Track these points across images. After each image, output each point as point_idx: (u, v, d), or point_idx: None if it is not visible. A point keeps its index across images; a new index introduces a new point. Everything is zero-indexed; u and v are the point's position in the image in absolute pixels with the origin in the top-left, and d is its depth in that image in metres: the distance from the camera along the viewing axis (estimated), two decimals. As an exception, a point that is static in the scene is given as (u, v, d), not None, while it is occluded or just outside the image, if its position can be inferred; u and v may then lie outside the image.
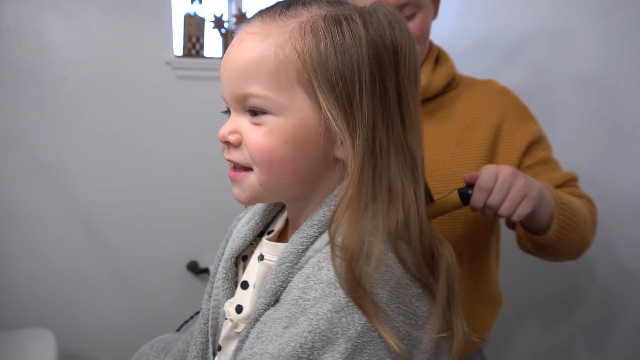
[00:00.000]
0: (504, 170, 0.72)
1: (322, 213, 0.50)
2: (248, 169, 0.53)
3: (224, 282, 0.65)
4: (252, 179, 0.52)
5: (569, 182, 0.96)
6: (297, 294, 0.46)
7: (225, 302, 0.63)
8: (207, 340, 0.67)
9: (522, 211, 0.72)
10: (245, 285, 0.62)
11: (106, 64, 1.78)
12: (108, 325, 1.83)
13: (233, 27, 2.07)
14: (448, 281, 0.51)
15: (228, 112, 0.56)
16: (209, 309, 0.66)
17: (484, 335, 1.02)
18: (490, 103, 0.96)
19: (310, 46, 0.46)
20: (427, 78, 0.93)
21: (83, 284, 1.79)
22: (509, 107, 0.96)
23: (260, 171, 0.51)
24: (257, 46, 0.48)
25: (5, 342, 1.42)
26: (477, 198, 0.73)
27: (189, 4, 1.95)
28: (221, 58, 1.93)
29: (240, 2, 2.12)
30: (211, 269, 0.72)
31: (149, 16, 1.84)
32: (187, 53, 1.94)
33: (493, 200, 0.71)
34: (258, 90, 0.48)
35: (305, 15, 0.49)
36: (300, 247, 0.50)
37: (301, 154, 0.48)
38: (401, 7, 0.86)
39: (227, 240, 0.69)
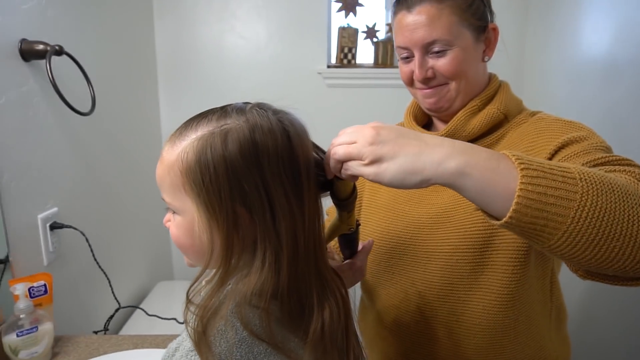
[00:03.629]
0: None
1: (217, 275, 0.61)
2: None
3: None
4: None
5: (617, 161, 0.71)
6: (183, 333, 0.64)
7: None
8: None
9: (352, 169, 0.59)
10: None
11: (269, 75, 2.12)
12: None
13: (386, 35, 2.20)
14: (323, 337, 0.61)
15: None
16: None
17: None
18: (522, 138, 0.88)
19: (187, 165, 0.60)
20: (459, 123, 0.92)
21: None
22: (540, 131, 0.86)
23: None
24: (161, 169, 0.64)
25: (177, 289, 1.87)
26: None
27: (344, 17, 2.16)
28: (370, 66, 2.10)
29: (395, 11, 2.23)
30: None
31: (309, 32, 2.11)
32: (339, 63, 2.15)
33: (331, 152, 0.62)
34: (166, 198, 0.65)
35: (190, 138, 0.61)
36: None
37: (197, 241, 0.61)
38: (429, 44, 0.86)
39: None
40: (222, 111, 0.62)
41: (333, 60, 2.20)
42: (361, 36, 2.17)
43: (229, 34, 2.10)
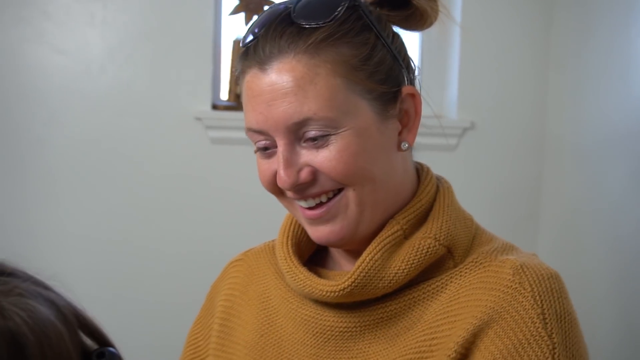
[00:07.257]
0: None
1: None
2: None
3: None
4: None
5: None
6: None
7: None
8: None
9: None
10: None
11: (108, 119, 1.48)
12: None
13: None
14: None
15: None
16: None
17: None
18: (471, 303, 0.63)
19: None
20: (373, 267, 0.61)
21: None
22: (500, 313, 0.61)
23: None
24: None
25: None
26: None
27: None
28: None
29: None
30: None
31: (179, 49, 1.51)
32: (234, 101, 1.50)
33: None
34: None
35: None
36: None
37: None
38: (297, 125, 0.57)
39: None
40: None
41: (224, 97, 1.50)
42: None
43: (35, 43, 1.42)
